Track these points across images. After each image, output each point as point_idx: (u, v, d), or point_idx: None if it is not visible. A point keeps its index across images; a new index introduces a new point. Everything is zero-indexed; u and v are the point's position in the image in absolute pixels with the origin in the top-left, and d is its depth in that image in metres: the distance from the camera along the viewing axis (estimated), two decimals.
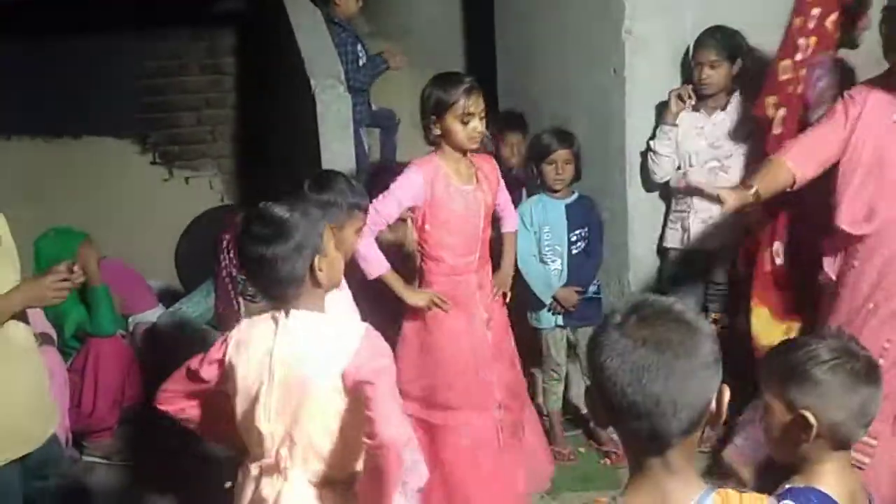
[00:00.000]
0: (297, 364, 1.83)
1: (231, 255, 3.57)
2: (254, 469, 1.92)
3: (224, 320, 3.59)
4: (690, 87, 3.37)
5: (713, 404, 1.25)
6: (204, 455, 3.51)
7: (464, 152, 2.80)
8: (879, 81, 2.70)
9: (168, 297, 4.36)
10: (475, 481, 2.86)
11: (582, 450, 3.50)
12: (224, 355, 1.93)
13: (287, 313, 1.85)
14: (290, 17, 4.09)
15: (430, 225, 2.79)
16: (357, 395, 1.82)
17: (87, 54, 4.75)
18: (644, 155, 3.52)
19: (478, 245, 2.88)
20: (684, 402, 1.20)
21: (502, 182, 3.04)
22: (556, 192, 3.42)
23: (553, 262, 3.41)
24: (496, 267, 3.05)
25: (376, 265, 2.75)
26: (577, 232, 3.41)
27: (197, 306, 3.63)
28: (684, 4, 3.42)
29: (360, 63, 4.31)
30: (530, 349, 3.42)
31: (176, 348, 3.59)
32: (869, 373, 1.52)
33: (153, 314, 3.83)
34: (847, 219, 2.68)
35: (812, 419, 1.48)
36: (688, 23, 3.39)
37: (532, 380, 3.51)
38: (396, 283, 2.81)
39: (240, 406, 1.90)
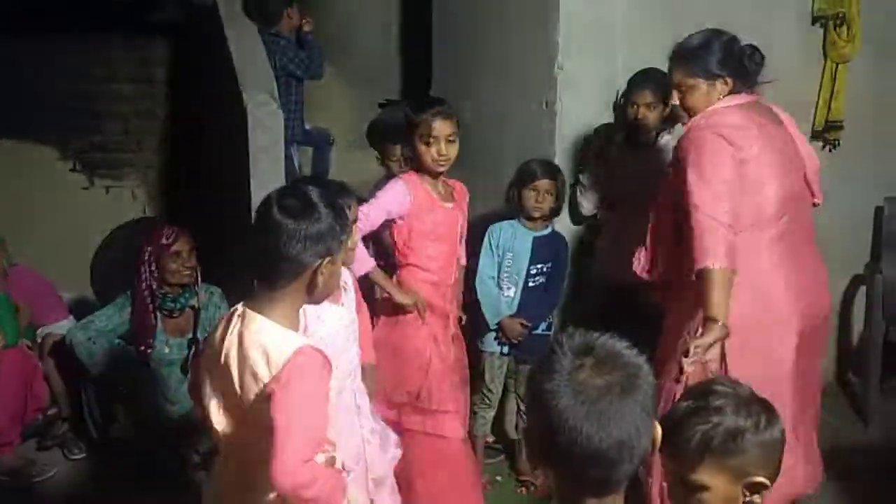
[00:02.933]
0: (235, 365, 1.79)
1: (152, 267, 3.49)
2: (218, 459, 1.95)
3: (139, 334, 3.50)
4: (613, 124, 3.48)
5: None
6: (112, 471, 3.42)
7: (433, 175, 2.88)
8: None
9: (82, 310, 4.21)
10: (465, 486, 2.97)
11: (499, 478, 3.50)
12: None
13: (244, 313, 1.81)
14: (225, 29, 4.04)
15: (416, 234, 2.87)
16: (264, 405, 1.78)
17: (12, 56, 4.60)
18: (573, 188, 3.58)
19: (454, 260, 2.99)
20: (640, 447, 1.21)
21: (467, 210, 3.11)
22: (532, 219, 3.41)
23: (508, 289, 3.40)
24: None
25: (363, 263, 2.75)
26: (539, 266, 3.40)
27: (110, 320, 3.50)
28: (615, 46, 3.51)
29: (303, 56, 4.36)
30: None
31: (85, 362, 3.46)
32: (770, 411, 1.57)
33: (63, 326, 3.69)
34: None
35: (766, 480, 1.53)
36: (618, 63, 3.48)
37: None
38: (384, 280, 2.86)
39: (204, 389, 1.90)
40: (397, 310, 2.90)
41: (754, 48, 2.63)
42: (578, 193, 3.54)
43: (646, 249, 2.79)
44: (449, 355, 2.98)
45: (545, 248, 3.40)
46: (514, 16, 3.78)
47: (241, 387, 1.78)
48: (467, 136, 4.20)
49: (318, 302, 1.92)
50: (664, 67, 3.38)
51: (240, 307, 1.85)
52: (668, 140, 3.45)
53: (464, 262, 3.15)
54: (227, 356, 1.81)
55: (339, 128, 4.98)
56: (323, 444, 1.85)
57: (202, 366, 1.92)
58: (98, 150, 5.08)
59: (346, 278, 2.45)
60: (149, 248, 3.48)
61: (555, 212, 3.42)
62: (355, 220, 2.48)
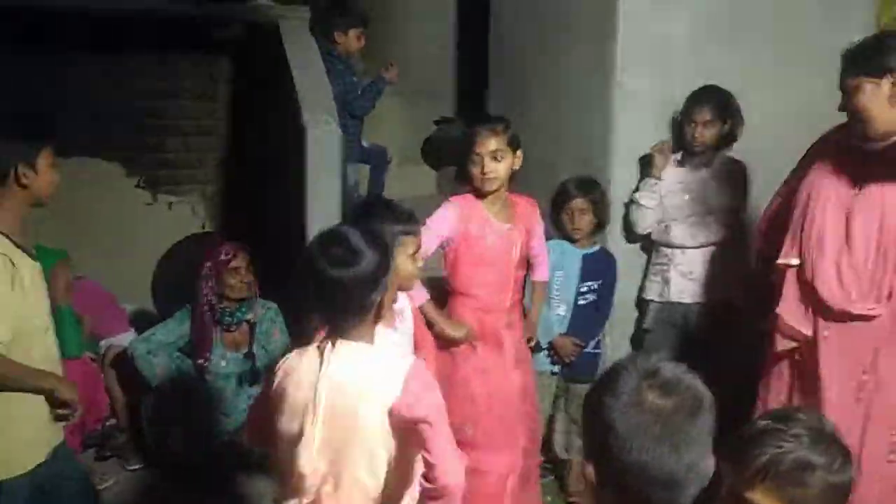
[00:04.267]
0: (342, 398, 1.78)
1: (211, 283, 3.55)
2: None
3: (198, 348, 3.55)
4: (669, 141, 3.41)
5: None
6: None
7: (484, 193, 2.82)
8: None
9: (143, 322, 4.29)
10: None
11: (549, 498, 3.45)
12: (272, 386, 1.91)
13: (333, 344, 1.82)
14: (287, 48, 4.10)
15: (463, 260, 2.81)
16: (406, 433, 1.79)
17: (82, 73, 4.74)
18: (627, 206, 3.53)
19: (510, 284, 2.90)
20: (706, 470, 1.21)
21: (541, 227, 3.05)
22: (574, 241, 3.39)
23: (558, 307, 3.39)
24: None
25: (417, 295, 2.71)
26: (589, 284, 3.38)
27: (171, 333, 3.57)
28: (674, 61, 3.46)
29: (359, 91, 4.35)
30: None
31: (145, 374, 3.53)
32: (847, 456, 1.52)
33: (125, 338, 3.77)
34: None
35: None
36: (678, 79, 3.43)
37: None
38: (436, 314, 2.81)
39: (282, 440, 1.86)
40: (449, 341, 2.84)
41: None
42: (633, 211, 3.49)
43: (838, 273, 2.49)
44: (505, 385, 2.87)
45: (595, 266, 3.38)
46: (574, 31, 3.75)
47: (358, 417, 1.78)
48: (528, 156, 4.20)
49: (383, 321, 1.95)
50: (725, 84, 3.36)
51: (320, 345, 1.84)
52: (726, 158, 3.39)
53: (544, 278, 3.11)
54: (329, 392, 1.79)
55: (394, 144, 5.01)
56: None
57: (278, 412, 1.87)
58: (162, 167, 5.19)
59: (404, 305, 2.44)
60: (209, 264, 3.53)
61: (599, 227, 3.38)
62: (419, 248, 2.38)
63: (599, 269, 3.40)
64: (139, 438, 3.69)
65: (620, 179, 3.53)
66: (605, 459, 1.21)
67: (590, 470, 1.23)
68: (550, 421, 3.49)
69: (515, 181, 4.19)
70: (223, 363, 3.57)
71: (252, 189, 4.98)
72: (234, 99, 5.19)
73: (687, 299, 3.38)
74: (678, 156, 3.46)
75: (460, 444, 2.71)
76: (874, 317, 2.42)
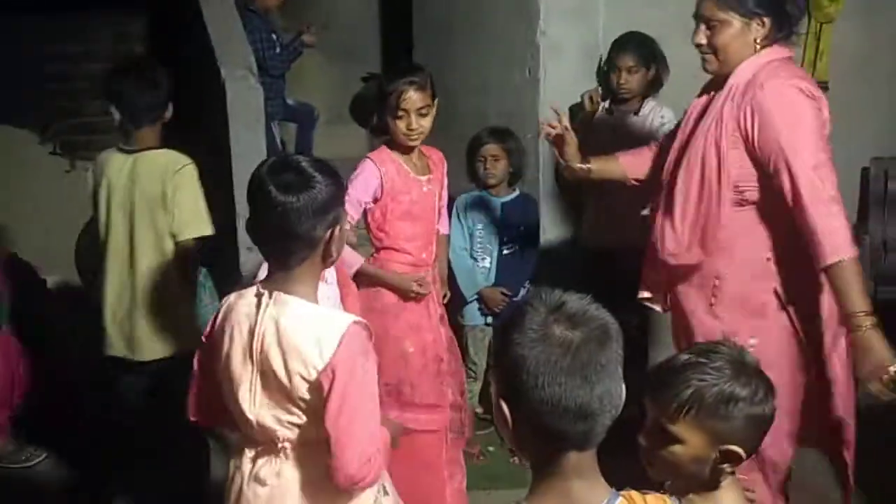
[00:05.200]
0: (277, 354, 1.72)
1: None
2: (248, 450, 1.83)
3: None
4: (598, 88, 3.43)
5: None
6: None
7: (404, 149, 2.72)
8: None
9: (67, 293, 4.18)
10: (429, 483, 2.81)
11: (491, 448, 3.50)
12: (212, 328, 1.84)
13: (271, 295, 1.74)
14: (201, 3, 3.97)
15: (391, 216, 2.71)
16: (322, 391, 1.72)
17: None
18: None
19: (433, 237, 2.83)
20: (616, 398, 1.21)
21: (446, 178, 2.98)
22: (490, 187, 3.38)
23: (483, 259, 3.40)
24: None
25: (352, 261, 2.67)
26: (511, 232, 3.38)
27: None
28: (597, 9, 3.47)
29: (277, 50, 4.24)
30: None
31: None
32: (769, 387, 1.55)
33: None
34: None
35: (743, 453, 1.51)
36: (599, 27, 3.44)
37: None
38: (380, 272, 2.73)
39: (225, 386, 1.81)
40: (374, 299, 2.75)
41: None
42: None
43: (672, 228, 2.34)
44: (439, 340, 2.85)
45: (514, 214, 3.40)
46: None
47: (289, 377, 1.72)
48: (450, 107, 4.19)
49: (331, 265, 1.88)
50: (648, 31, 3.38)
51: (262, 290, 1.76)
52: (653, 105, 3.42)
53: (445, 230, 3.04)
54: (263, 343, 1.73)
55: (320, 103, 4.93)
56: (378, 437, 1.79)
57: (221, 364, 1.80)
58: (79, 132, 5.01)
59: None
60: None
61: (514, 176, 3.39)
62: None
63: (520, 215, 3.41)
64: None
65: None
66: (517, 396, 1.21)
67: (505, 409, 1.23)
68: (487, 373, 3.53)
69: (445, 135, 4.19)
70: None
71: (175, 150, 4.84)
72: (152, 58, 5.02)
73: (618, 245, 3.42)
74: (606, 104, 3.47)
75: (400, 404, 2.73)
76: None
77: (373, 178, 2.67)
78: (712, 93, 2.35)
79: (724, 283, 2.31)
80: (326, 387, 1.69)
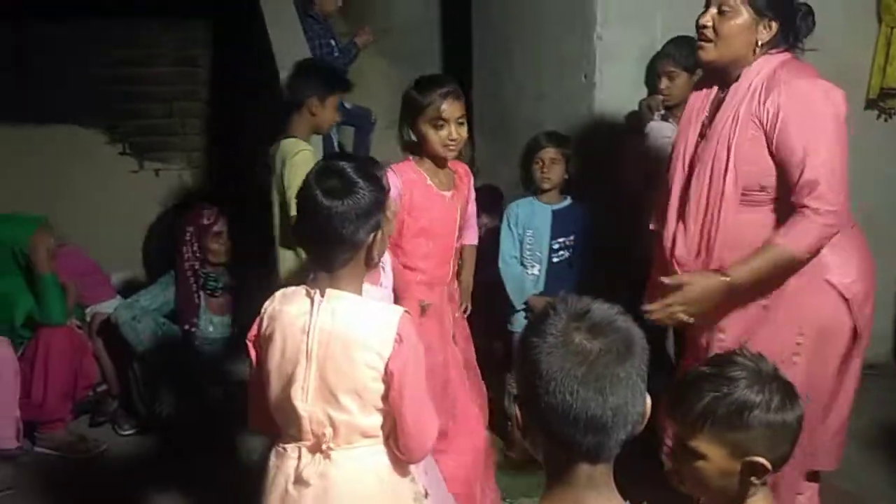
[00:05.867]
0: (335, 346, 1.78)
1: (195, 248, 3.55)
2: (292, 451, 1.87)
3: (183, 313, 3.56)
4: (660, 96, 3.37)
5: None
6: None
7: (439, 160, 2.67)
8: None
9: (133, 291, 4.29)
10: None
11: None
12: (258, 331, 1.88)
13: (323, 293, 1.80)
14: (263, 8, 4.05)
15: (407, 233, 2.65)
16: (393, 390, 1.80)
17: (57, 41, 4.69)
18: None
19: (452, 255, 2.77)
20: (635, 413, 1.19)
21: (473, 191, 2.92)
22: (544, 191, 3.36)
23: (532, 267, 3.37)
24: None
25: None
26: (562, 240, 3.34)
27: (155, 299, 3.58)
28: (654, 12, 3.42)
29: (336, 54, 4.30)
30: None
31: (131, 341, 3.53)
32: (790, 394, 1.51)
33: (111, 304, 3.77)
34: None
35: (768, 464, 1.47)
36: (657, 31, 3.40)
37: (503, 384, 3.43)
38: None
39: (274, 385, 1.85)
40: None
41: (811, 10, 2.28)
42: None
43: (684, 233, 2.32)
44: (449, 361, 2.75)
45: (565, 221, 3.35)
46: None
47: (353, 367, 1.77)
48: (506, 112, 4.21)
49: (373, 268, 1.95)
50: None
51: (308, 289, 1.81)
52: None
53: (473, 241, 2.96)
54: (323, 340, 1.78)
55: (380, 107, 4.96)
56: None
57: (268, 363, 1.84)
58: (145, 134, 5.15)
59: (385, 259, 2.40)
60: (190, 229, 3.53)
61: (568, 183, 3.35)
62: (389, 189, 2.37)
63: (572, 222, 3.37)
64: (131, 404, 3.71)
65: (604, 135, 3.50)
66: (531, 401, 1.20)
67: (519, 413, 1.23)
68: None
69: (502, 141, 4.19)
70: (210, 328, 3.58)
71: (238, 155, 4.95)
72: (215, 63, 5.14)
73: None
74: (661, 111, 3.42)
75: None
76: None
77: (393, 189, 2.54)
78: (711, 90, 2.33)
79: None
80: (396, 375, 1.76)
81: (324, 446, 1.82)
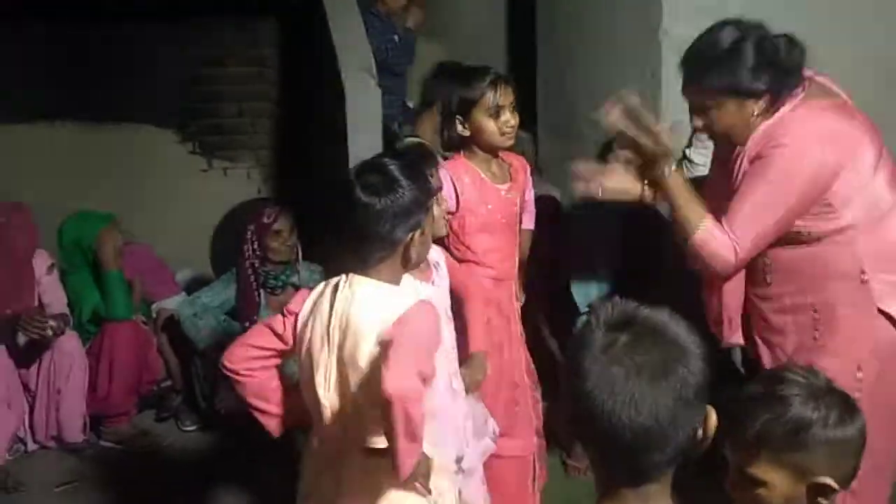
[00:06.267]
0: (349, 333, 1.75)
1: (255, 246, 3.58)
2: (315, 441, 1.88)
3: (244, 311, 3.59)
4: None
5: (699, 430, 1.15)
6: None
7: (495, 152, 2.62)
8: None
9: (200, 287, 4.36)
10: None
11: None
12: (300, 313, 1.86)
13: (348, 277, 1.78)
14: (326, 6, 4.06)
15: (469, 230, 2.60)
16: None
17: (129, 41, 4.79)
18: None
19: (515, 248, 2.72)
20: (674, 437, 1.12)
21: (530, 180, 2.87)
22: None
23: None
24: None
25: None
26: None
27: (217, 296, 3.62)
28: (724, 5, 3.28)
29: (397, 51, 4.29)
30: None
31: (192, 337, 3.58)
32: (848, 407, 1.41)
33: (176, 301, 3.84)
34: None
35: (834, 483, 1.38)
36: None
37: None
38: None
39: (303, 374, 1.84)
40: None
41: (791, 39, 2.20)
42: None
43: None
44: (517, 361, 2.69)
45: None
46: None
47: (359, 358, 1.74)
48: (571, 110, 4.12)
49: (413, 269, 1.90)
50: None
51: (341, 277, 1.80)
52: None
53: (529, 225, 2.87)
54: (339, 323, 1.76)
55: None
56: (431, 380, 1.76)
57: (301, 348, 1.83)
58: (215, 133, 5.23)
59: (438, 257, 2.36)
60: (251, 227, 3.56)
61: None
62: (440, 188, 2.27)
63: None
64: (193, 400, 3.77)
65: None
66: (573, 418, 1.15)
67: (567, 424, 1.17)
68: None
69: (560, 137, 4.10)
70: None
71: (304, 152, 4.99)
72: (283, 62, 5.18)
73: None
74: None
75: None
76: None
77: (448, 189, 2.54)
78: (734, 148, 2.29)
79: (823, 313, 2.22)
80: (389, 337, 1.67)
81: (338, 436, 1.80)
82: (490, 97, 2.52)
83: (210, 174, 5.26)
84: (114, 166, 4.88)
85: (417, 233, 1.78)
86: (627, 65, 3.59)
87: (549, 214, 3.58)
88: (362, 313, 1.74)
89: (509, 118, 2.54)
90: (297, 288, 3.61)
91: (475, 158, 2.61)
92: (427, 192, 1.81)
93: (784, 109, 2.19)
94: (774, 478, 1.38)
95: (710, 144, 3.21)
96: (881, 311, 2.19)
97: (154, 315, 3.86)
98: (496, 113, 2.53)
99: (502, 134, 2.55)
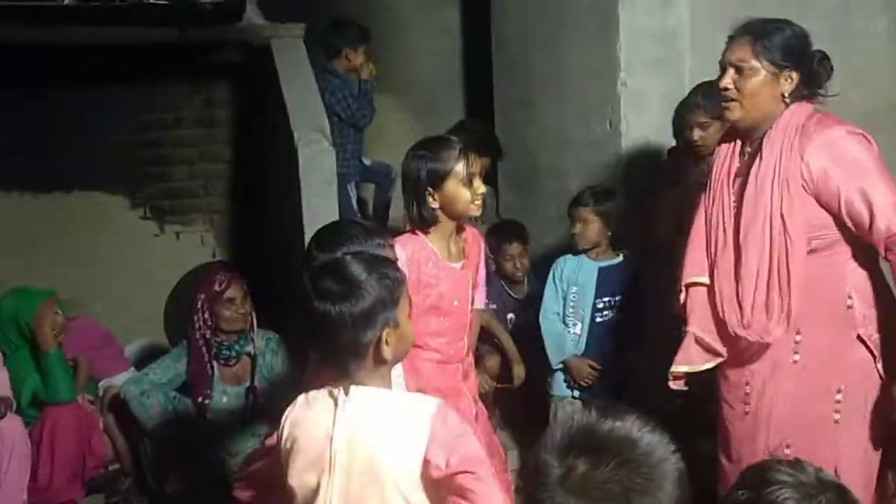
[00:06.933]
0: (362, 450, 1.61)
1: (206, 315, 3.41)
2: None
3: (195, 385, 3.41)
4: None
5: None
6: None
7: (462, 222, 2.53)
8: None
9: (154, 359, 4.18)
10: None
11: None
12: (280, 439, 1.72)
13: (347, 390, 1.63)
14: (279, 67, 3.98)
15: (416, 311, 2.38)
16: (446, 486, 1.59)
17: (78, 105, 4.66)
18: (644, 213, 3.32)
19: (465, 330, 2.60)
20: None
21: (483, 255, 2.76)
22: (583, 250, 3.19)
23: (574, 325, 3.20)
24: None
25: None
26: (607, 299, 3.16)
27: (166, 372, 3.42)
28: (682, 58, 3.27)
29: (354, 103, 4.21)
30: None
31: (140, 416, 3.38)
32: (844, 496, 1.29)
33: (124, 378, 3.64)
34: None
35: None
36: (685, 76, 3.24)
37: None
38: None
39: (297, 496, 1.68)
40: None
41: (825, 55, 2.28)
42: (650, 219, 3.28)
43: (742, 290, 2.27)
44: None
45: (612, 280, 3.15)
46: (572, 32, 3.59)
47: (382, 472, 1.60)
48: (531, 163, 4.07)
49: (394, 365, 1.76)
50: None
51: (335, 391, 1.66)
52: None
53: (482, 305, 2.76)
54: (347, 446, 1.62)
55: (399, 161, 4.85)
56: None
57: (289, 466, 1.69)
58: (167, 197, 5.09)
59: None
60: (202, 296, 3.40)
61: (616, 239, 3.16)
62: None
63: (618, 282, 3.17)
64: (144, 482, 3.55)
65: (631, 186, 3.33)
66: None
67: None
68: None
69: (521, 191, 4.04)
70: (224, 399, 3.41)
71: (258, 215, 4.86)
72: (236, 123, 5.08)
73: None
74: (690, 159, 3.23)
75: None
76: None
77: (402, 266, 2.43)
78: (734, 144, 2.33)
79: (807, 334, 2.23)
80: (442, 468, 1.57)
81: None
82: (463, 165, 2.44)
83: (162, 239, 5.10)
84: (63, 234, 4.72)
85: (387, 331, 1.64)
86: (585, 117, 3.55)
87: None
88: (376, 425, 1.61)
89: (480, 185, 2.48)
90: (252, 357, 3.46)
91: (436, 234, 2.50)
92: (393, 287, 1.67)
93: (805, 108, 2.24)
94: None
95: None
96: (859, 338, 2.22)
97: (101, 393, 3.66)
98: (469, 181, 2.45)
99: (474, 202, 2.47)
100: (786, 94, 2.22)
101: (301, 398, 1.72)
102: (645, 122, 3.30)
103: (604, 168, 3.44)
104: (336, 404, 1.63)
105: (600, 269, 3.18)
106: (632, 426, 1.02)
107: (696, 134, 3.07)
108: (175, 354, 3.48)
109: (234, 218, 5.17)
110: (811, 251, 2.20)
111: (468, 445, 1.60)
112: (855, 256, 2.23)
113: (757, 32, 2.22)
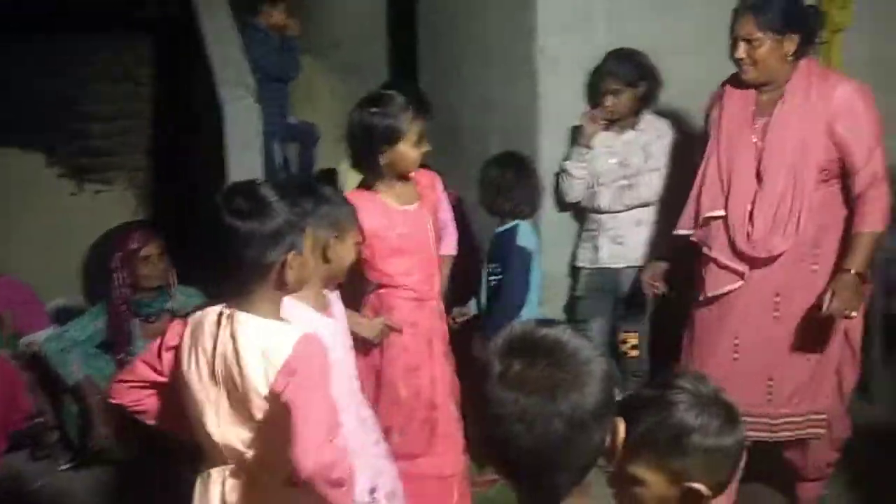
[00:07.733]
0: (236, 372, 1.70)
1: (124, 274, 3.41)
2: (215, 474, 1.78)
3: (116, 342, 3.43)
4: (599, 110, 3.31)
5: (607, 441, 1.18)
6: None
7: (404, 177, 2.61)
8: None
9: (72, 317, 4.14)
10: None
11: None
12: (180, 343, 1.79)
13: (232, 315, 1.71)
14: (202, 23, 3.95)
15: (379, 255, 2.58)
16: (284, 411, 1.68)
17: None
18: (557, 175, 3.44)
19: (434, 267, 2.69)
20: (573, 457, 1.13)
21: (444, 197, 2.86)
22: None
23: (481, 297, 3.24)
24: None
25: None
26: (492, 266, 3.17)
27: (84, 329, 3.41)
28: (594, 24, 3.38)
29: (279, 55, 4.23)
30: None
31: (60, 373, 3.38)
32: (731, 417, 1.45)
33: (44, 334, 3.62)
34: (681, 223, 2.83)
35: (706, 490, 1.39)
36: (600, 41, 3.34)
37: None
38: (351, 317, 2.45)
39: (189, 406, 1.77)
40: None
41: (816, 10, 2.72)
42: (563, 181, 3.41)
43: (758, 212, 2.63)
44: (438, 382, 2.66)
45: (499, 246, 3.17)
46: None
47: (246, 393, 1.69)
48: (454, 123, 4.14)
49: (293, 293, 1.84)
50: (650, 44, 3.27)
51: (222, 309, 1.74)
52: (650, 119, 3.31)
53: (449, 251, 2.88)
54: (224, 362, 1.71)
55: (326, 121, 4.87)
56: (338, 429, 1.78)
57: (184, 382, 1.77)
58: (85, 155, 5.01)
59: (334, 300, 2.27)
60: (119, 254, 3.40)
61: (513, 206, 3.14)
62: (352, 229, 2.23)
63: (503, 247, 3.15)
64: (68, 437, 3.56)
65: (549, 147, 3.44)
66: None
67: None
68: None
69: (448, 151, 4.12)
70: None
71: (181, 172, 4.83)
72: (159, 80, 5.02)
73: (619, 264, 3.31)
74: (604, 122, 3.35)
75: (393, 451, 2.47)
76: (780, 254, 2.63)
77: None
78: (748, 92, 2.68)
79: (824, 249, 2.64)
80: (280, 396, 1.66)
81: (246, 468, 1.74)
82: (416, 128, 2.53)
83: (80, 197, 5.03)
84: None
85: (291, 255, 1.72)
86: (507, 80, 3.63)
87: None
88: (246, 350, 1.69)
89: (426, 145, 2.57)
90: (173, 314, 3.47)
91: (381, 185, 2.59)
92: (300, 213, 1.77)
93: (810, 63, 2.65)
94: (651, 478, 1.40)
95: (590, 157, 3.30)
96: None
97: (23, 349, 3.63)
98: (419, 142, 2.54)
99: (418, 161, 2.58)
100: (789, 54, 2.58)
101: (199, 312, 1.79)
102: (562, 87, 3.39)
103: (522, 130, 3.53)
104: (221, 324, 1.72)
105: (496, 235, 3.20)
106: (562, 333, 1.15)
107: (609, 100, 3.20)
108: (94, 313, 3.48)
109: (156, 176, 5.13)
110: (823, 180, 2.59)
111: (301, 379, 1.67)
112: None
113: (757, 6, 2.56)
